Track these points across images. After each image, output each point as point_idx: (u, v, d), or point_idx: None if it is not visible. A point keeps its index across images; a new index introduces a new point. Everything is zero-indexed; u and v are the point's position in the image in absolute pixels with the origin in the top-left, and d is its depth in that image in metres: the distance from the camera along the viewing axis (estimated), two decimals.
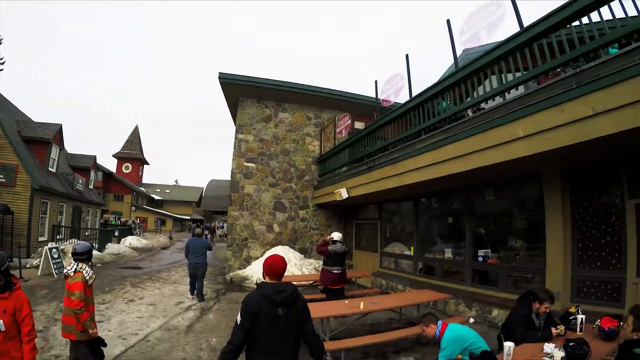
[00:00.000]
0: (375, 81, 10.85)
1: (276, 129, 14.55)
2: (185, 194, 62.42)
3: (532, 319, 4.46)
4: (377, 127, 9.71)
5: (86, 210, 25.28)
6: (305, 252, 14.05)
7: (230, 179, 14.20)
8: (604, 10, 4.32)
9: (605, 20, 4.35)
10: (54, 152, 19.28)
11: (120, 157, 56.83)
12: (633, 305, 3.53)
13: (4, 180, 15.87)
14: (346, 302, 6.48)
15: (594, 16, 4.43)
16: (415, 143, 7.76)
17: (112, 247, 20.31)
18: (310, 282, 10.11)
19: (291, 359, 2.81)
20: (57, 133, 19.19)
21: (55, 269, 12.54)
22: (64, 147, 20.87)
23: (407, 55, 8.80)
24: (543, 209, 6.68)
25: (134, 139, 58.89)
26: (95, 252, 17.02)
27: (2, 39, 36.81)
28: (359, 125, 12.49)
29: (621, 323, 3.85)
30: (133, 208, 48.27)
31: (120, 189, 48.07)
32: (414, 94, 8.43)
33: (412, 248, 10.73)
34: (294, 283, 3.07)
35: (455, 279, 8.94)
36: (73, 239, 19.22)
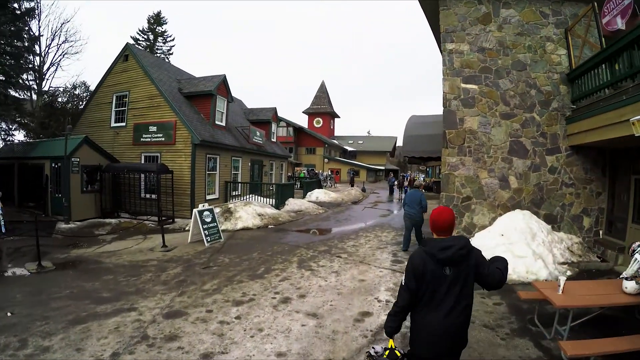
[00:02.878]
0: None
1: (500, 33, 10.35)
2: (378, 144, 64.67)
3: None
4: None
5: (269, 163, 24.25)
6: (553, 221, 9.57)
7: (442, 109, 10.29)
8: None
9: None
10: (220, 105, 18.05)
11: (311, 113, 61.66)
12: None
13: (163, 139, 15.24)
14: None
15: None
16: None
17: (293, 203, 18.00)
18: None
19: (460, 326, 2.61)
20: (220, 84, 17.76)
21: (206, 236, 10.29)
22: (232, 100, 19.50)
23: None
24: None
25: (322, 94, 62.58)
26: (270, 211, 14.86)
27: (167, 19, 41.98)
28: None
29: None
30: (326, 160, 50.23)
31: (311, 142, 51.15)
32: None
33: None
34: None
35: None
36: (252, 195, 17.63)
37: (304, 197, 22.41)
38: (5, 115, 15.96)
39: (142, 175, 14.67)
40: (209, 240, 10.20)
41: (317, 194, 23.28)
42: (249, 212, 13.86)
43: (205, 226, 10.30)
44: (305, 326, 4.96)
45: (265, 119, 25.29)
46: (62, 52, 26.95)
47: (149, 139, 15.38)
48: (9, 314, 5.46)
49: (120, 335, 4.72)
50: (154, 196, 14.23)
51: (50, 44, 25.85)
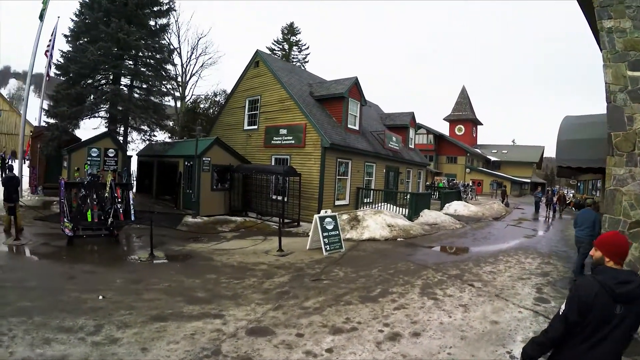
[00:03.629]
0: None
1: None
2: (523, 154, 59.13)
3: None
4: None
5: (405, 171, 22.95)
6: None
7: (606, 104, 7.80)
8: None
9: None
10: (353, 109, 17.50)
11: (452, 120, 59.31)
12: None
13: (293, 141, 15.25)
14: None
15: None
16: None
17: (428, 215, 16.37)
18: None
19: None
20: (352, 87, 17.21)
21: (326, 244, 9.49)
22: (365, 103, 18.78)
23: None
24: None
25: (463, 100, 60.11)
26: (401, 222, 13.49)
27: (299, 29, 44.29)
28: None
29: None
30: (467, 170, 47.38)
31: (452, 150, 48.89)
32: None
33: None
34: None
35: None
36: (385, 204, 16.53)
37: (441, 208, 20.45)
38: (145, 117, 17.70)
39: (272, 177, 14.76)
40: (328, 249, 9.39)
41: (456, 207, 21.03)
42: (378, 221, 12.76)
43: (325, 234, 9.53)
44: None
45: (402, 124, 23.94)
46: (202, 63, 30.50)
47: (279, 142, 15.57)
48: (100, 297, 5.45)
49: (193, 344, 4.17)
50: (281, 198, 14.19)
51: (191, 56, 29.41)
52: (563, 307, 2.28)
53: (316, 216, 9.72)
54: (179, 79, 28.61)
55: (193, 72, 29.58)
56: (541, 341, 2.36)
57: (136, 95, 18.89)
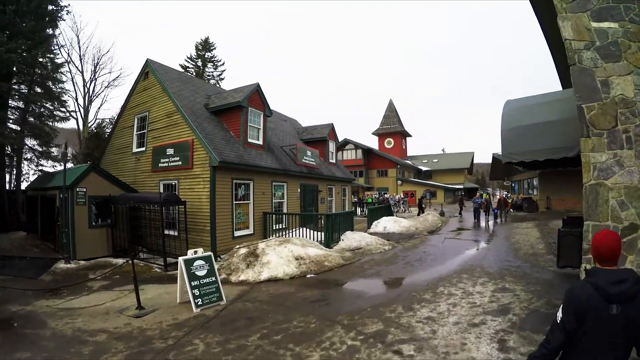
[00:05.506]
0: None
1: None
2: (454, 161, 63.55)
3: None
4: None
5: (326, 189, 21.98)
6: None
7: (570, 67, 6.68)
8: None
9: None
10: (255, 120, 15.90)
11: (380, 134, 62.09)
12: None
13: (180, 162, 13.67)
14: None
15: None
16: None
17: (350, 238, 15.31)
18: None
19: None
20: (253, 94, 15.57)
21: (196, 297, 7.81)
22: (270, 113, 17.13)
23: None
24: None
25: (391, 113, 62.52)
26: (314, 252, 12.11)
27: (215, 45, 43.76)
28: None
29: None
30: (399, 182, 48.46)
31: (382, 164, 50.46)
32: None
33: None
34: None
35: None
36: (303, 228, 15.09)
37: (368, 227, 19.85)
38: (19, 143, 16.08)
39: (159, 208, 12.97)
40: (199, 303, 7.67)
41: (385, 224, 20.34)
42: (283, 254, 11.23)
43: (194, 282, 7.80)
44: None
45: (321, 137, 22.92)
46: (107, 84, 28.55)
47: (166, 164, 14.00)
48: None
49: None
50: (173, 232, 12.63)
51: (92, 76, 27.54)
52: (560, 314, 2.28)
53: (181, 259, 8.03)
54: (80, 100, 26.53)
55: (97, 93, 27.66)
56: (541, 354, 2.31)
57: (10, 117, 16.93)
